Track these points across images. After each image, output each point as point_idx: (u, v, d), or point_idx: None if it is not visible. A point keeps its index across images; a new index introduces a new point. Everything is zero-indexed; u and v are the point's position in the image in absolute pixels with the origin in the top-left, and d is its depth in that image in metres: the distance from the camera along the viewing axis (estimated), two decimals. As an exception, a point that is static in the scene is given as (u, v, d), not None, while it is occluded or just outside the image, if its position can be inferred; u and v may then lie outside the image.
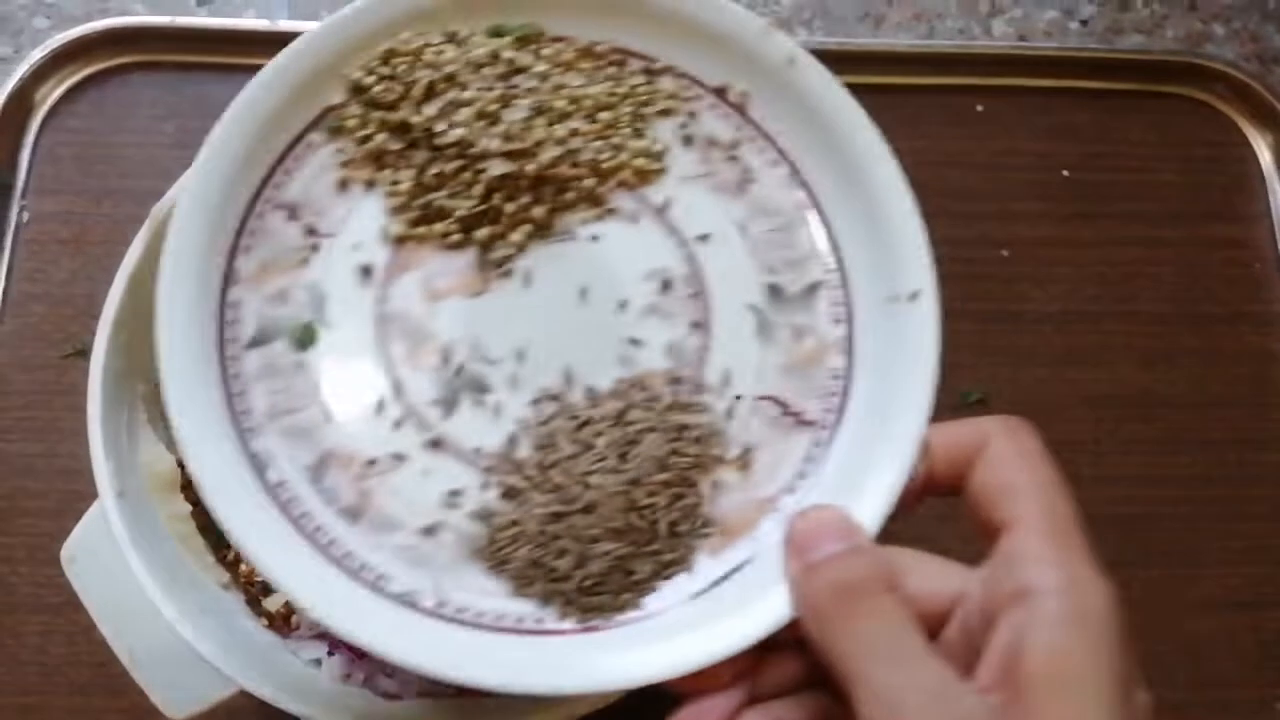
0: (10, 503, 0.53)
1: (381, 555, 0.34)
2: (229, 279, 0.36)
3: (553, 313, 0.36)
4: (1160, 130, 0.62)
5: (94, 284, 0.56)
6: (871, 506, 0.34)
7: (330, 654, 0.45)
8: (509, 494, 0.35)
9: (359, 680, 0.45)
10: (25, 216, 0.58)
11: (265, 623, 0.45)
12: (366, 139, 0.37)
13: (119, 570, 0.39)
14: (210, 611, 0.42)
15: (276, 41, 0.36)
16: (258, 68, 0.36)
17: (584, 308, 0.36)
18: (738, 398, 0.36)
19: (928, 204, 0.62)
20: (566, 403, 0.35)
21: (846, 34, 0.64)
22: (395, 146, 0.37)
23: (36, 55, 0.59)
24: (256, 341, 0.35)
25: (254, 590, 0.45)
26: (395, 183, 0.37)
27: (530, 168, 0.36)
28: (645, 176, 0.38)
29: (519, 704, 0.45)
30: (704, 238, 0.38)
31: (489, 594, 0.34)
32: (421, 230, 0.36)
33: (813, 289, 0.37)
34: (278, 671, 0.43)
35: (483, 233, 0.36)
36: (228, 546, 0.45)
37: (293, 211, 0.36)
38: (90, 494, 0.43)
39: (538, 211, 0.37)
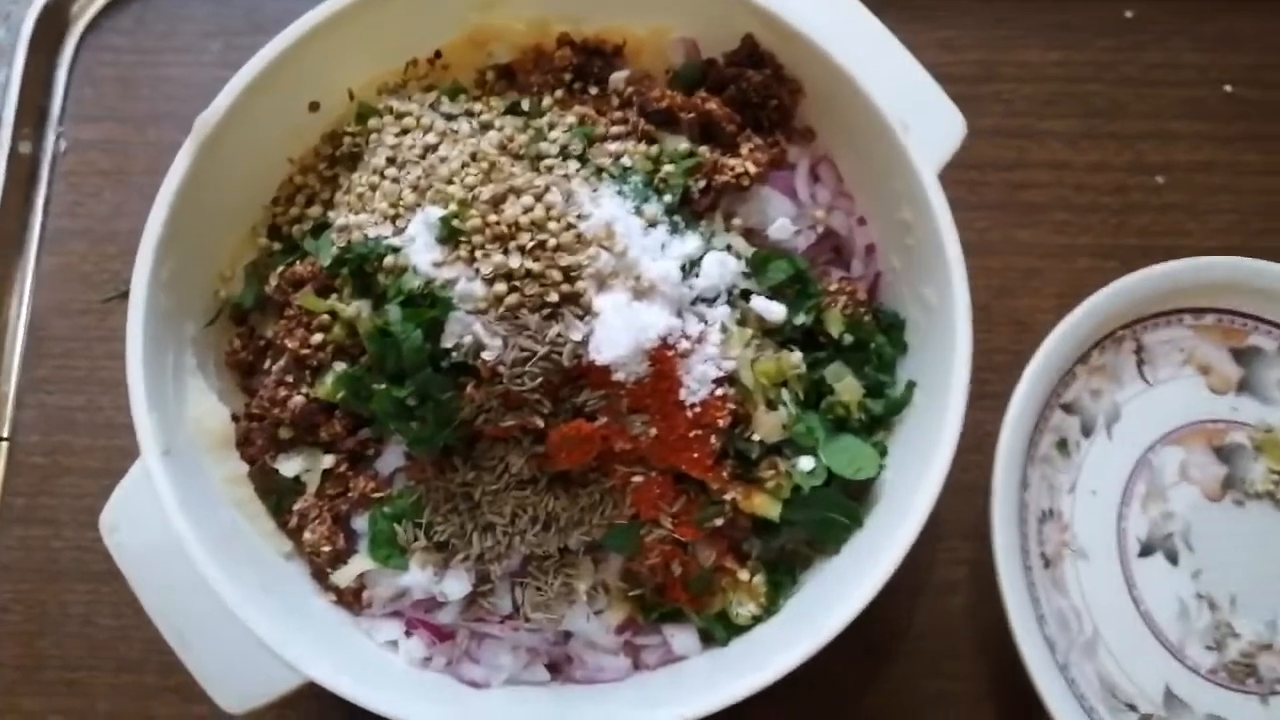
0: (52, 460, 0.49)
1: None
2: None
3: None
4: (1339, 37, 0.54)
5: (139, 219, 0.49)
6: None
7: (408, 634, 0.39)
8: None
9: (440, 665, 0.40)
10: (63, 145, 0.52)
11: (334, 598, 0.39)
12: None
13: (166, 540, 0.34)
14: (271, 588, 0.37)
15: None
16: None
17: None
18: None
19: (1071, 125, 0.55)
20: None
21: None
22: None
23: (71, -35, 0.53)
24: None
25: (320, 561, 0.39)
26: None
27: None
28: None
29: (619, 693, 0.40)
30: None
31: None
32: None
33: None
34: (349, 657, 0.37)
35: None
36: (289, 511, 0.40)
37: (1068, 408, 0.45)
38: (137, 451, 0.37)
39: None
